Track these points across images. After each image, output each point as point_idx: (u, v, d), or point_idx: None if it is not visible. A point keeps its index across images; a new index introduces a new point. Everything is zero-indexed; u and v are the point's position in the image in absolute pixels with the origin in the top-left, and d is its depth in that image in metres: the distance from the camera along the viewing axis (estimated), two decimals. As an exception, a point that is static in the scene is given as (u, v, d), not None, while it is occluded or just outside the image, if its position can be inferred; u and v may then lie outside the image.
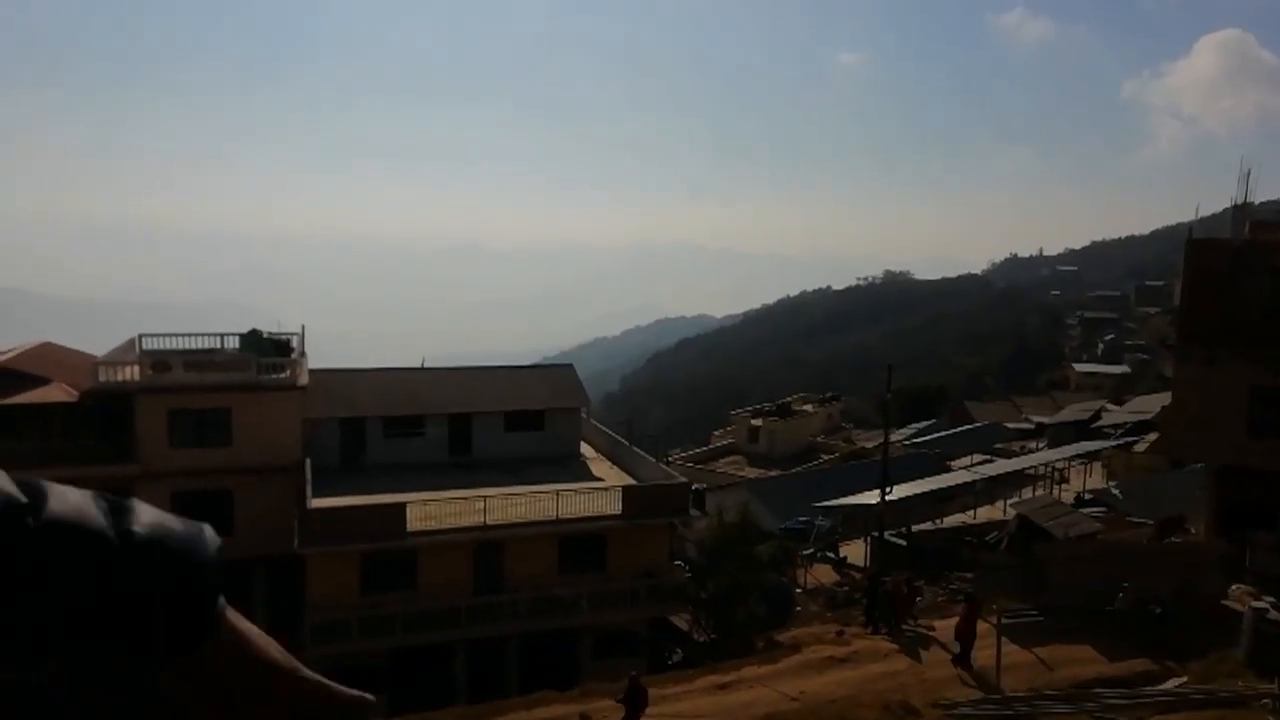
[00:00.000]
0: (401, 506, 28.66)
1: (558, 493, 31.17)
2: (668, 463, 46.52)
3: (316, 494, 28.76)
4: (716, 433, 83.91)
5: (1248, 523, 28.16)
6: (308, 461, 30.50)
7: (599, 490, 32.58)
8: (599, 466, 36.99)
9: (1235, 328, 28.73)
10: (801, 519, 42.73)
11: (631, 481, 34.08)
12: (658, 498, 32.44)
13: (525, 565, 30.16)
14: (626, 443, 38.25)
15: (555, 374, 40.94)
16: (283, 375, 33.02)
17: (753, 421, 74.32)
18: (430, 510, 29.56)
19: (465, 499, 30.26)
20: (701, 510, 35.63)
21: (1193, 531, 31.57)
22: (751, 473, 62.39)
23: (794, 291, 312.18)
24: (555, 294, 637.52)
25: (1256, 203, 34.91)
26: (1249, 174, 33.14)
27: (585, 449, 38.68)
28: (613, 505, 31.73)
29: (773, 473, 58.62)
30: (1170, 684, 19.89)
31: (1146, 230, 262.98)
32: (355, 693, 1.00)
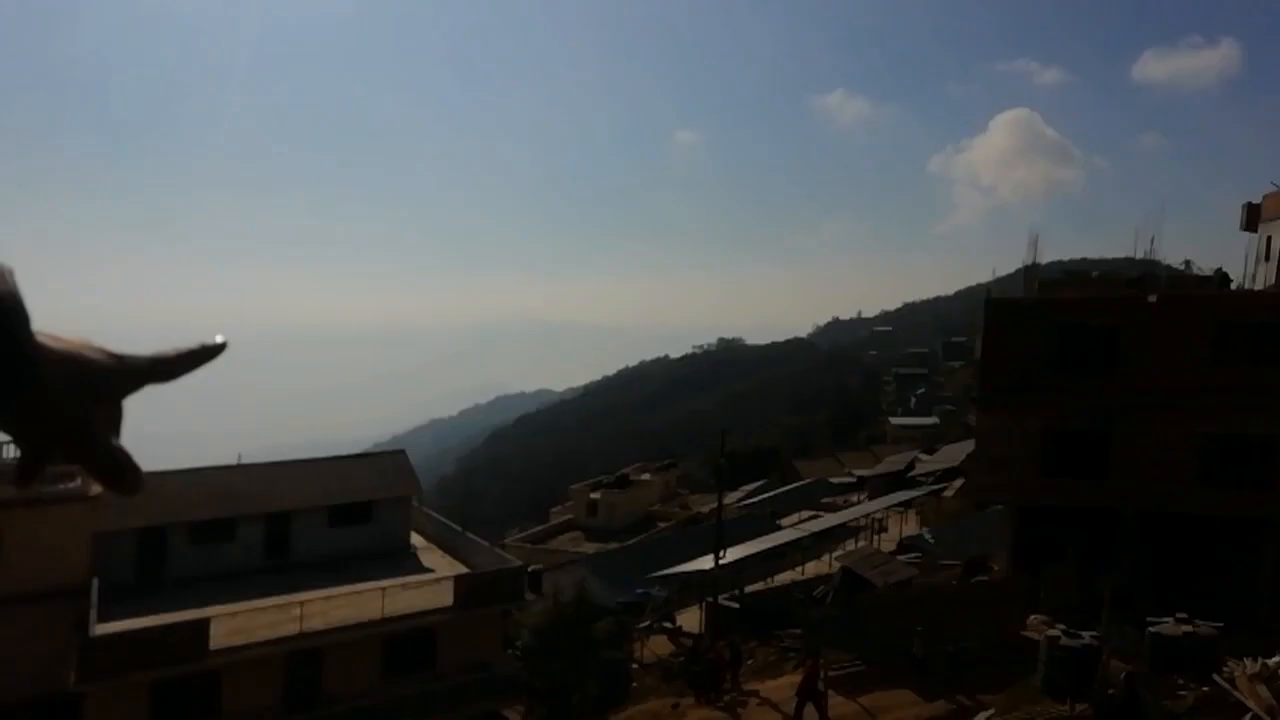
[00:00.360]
0: (203, 623, 26.32)
1: (383, 589, 29.73)
2: (504, 546, 45.47)
3: (103, 618, 26.04)
4: (555, 509, 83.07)
5: (1042, 556, 30.46)
6: (95, 582, 27.70)
7: (428, 582, 31.33)
8: (430, 556, 35.64)
9: (1028, 378, 31.32)
10: (639, 590, 42.65)
11: (464, 570, 33.01)
12: (491, 584, 31.50)
13: (346, 673, 28.37)
14: (459, 529, 37.13)
15: (385, 461, 39.39)
16: (71, 485, 30.12)
17: (591, 494, 74.08)
18: (238, 623, 27.37)
19: (280, 606, 28.28)
20: (537, 592, 34.90)
21: (995, 569, 33.72)
22: (590, 548, 61.94)
23: (634, 362, 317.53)
24: (394, 377, 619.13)
25: (1043, 263, 38.78)
26: (1036, 239, 36.79)
27: (416, 539, 37.25)
28: (443, 597, 30.57)
29: (611, 546, 58.44)
30: (979, 718, 20.91)
31: (951, 291, 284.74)
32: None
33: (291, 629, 27.67)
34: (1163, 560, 28.93)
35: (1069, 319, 30.81)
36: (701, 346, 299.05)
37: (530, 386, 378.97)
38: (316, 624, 28.09)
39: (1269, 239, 36.61)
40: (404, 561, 34.73)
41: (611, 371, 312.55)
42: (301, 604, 28.22)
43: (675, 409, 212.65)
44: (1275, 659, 20.22)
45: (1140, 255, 37.27)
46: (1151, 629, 21.91)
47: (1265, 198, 37.60)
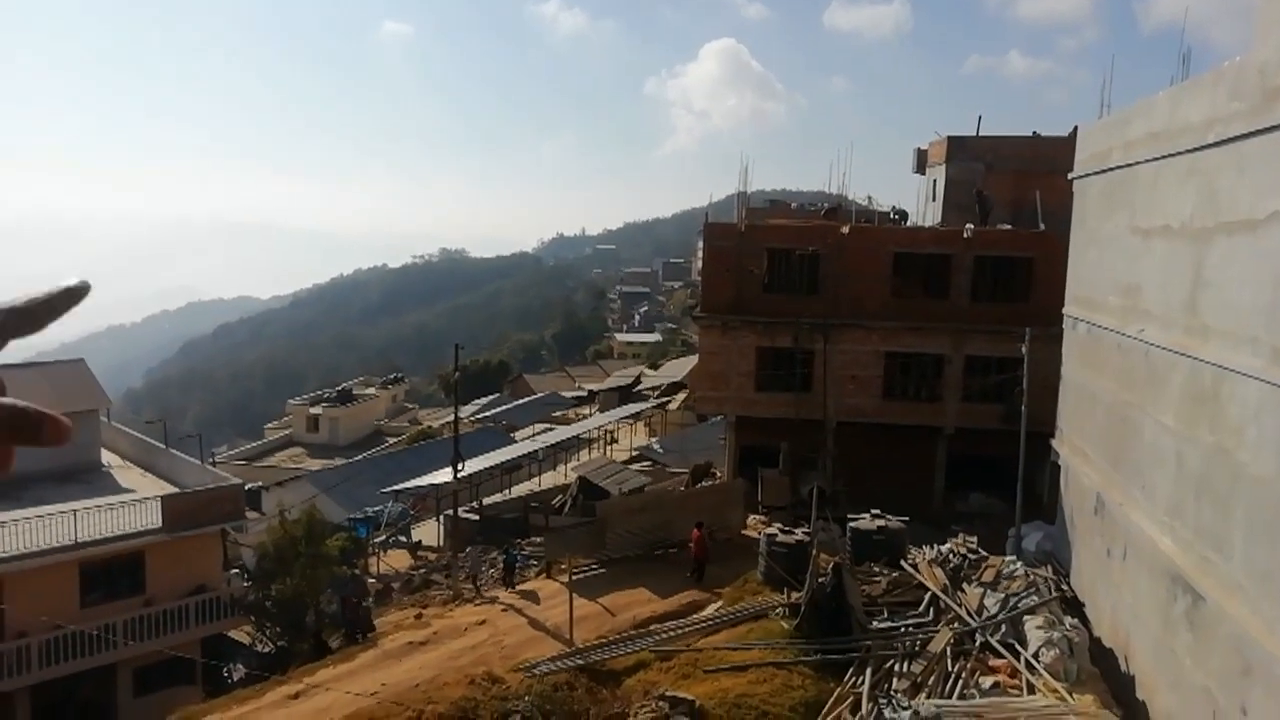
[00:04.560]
0: None
1: (75, 511, 26.45)
2: (215, 463, 42.00)
3: None
4: (270, 425, 77.99)
5: (759, 463, 33.44)
6: None
7: (130, 503, 28.29)
8: (129, 476, 32.13)
9: (742, 299, 33.66)
10: (373, 508, 41.46)
11: (172, 489, 30.14)
12: (205, 504, 29.09)
13: (34, 603, 25.14)
14: (162, 445, 33.72)
15: (61, 371, 34.41)
16: None
17: (311, 410, 70.32)
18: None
19: (-58, 534, 24.28)
20: (259, 511, 32.78)
21: (719, 475, 36.46)
22: (315, 464, 59.05)
23: (348, 270, 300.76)
24: (55, 276, 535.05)
25: (751, 191, 41.26)
26: (746, 167, 38.95)
27: (110, 457, 33.35)
28: (151, 519, 27.79)
29: (337, 462, 56.06)
30: (710, 609, 22.75)
31: (669, 213, 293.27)
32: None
33: (-42, 560, 23.92)
34: (858, 464, 32.76)
35: (776, 245, 33.48)
36: (423, 257, 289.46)
37: (229, 293, 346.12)
38: (-7, 553, 24.52)
39: (934, 181, 41.57)
40: (97, 481, 31.07)
41: (324, 280, 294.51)
42: (-29, 532, 24.42)
43: (397, 321, 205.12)
44: (946, 545, 23.74)
45: (833, 189, 41.17)
46: (851, 525, 24.78)
47: (930, 144, 42.47)
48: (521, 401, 69.51)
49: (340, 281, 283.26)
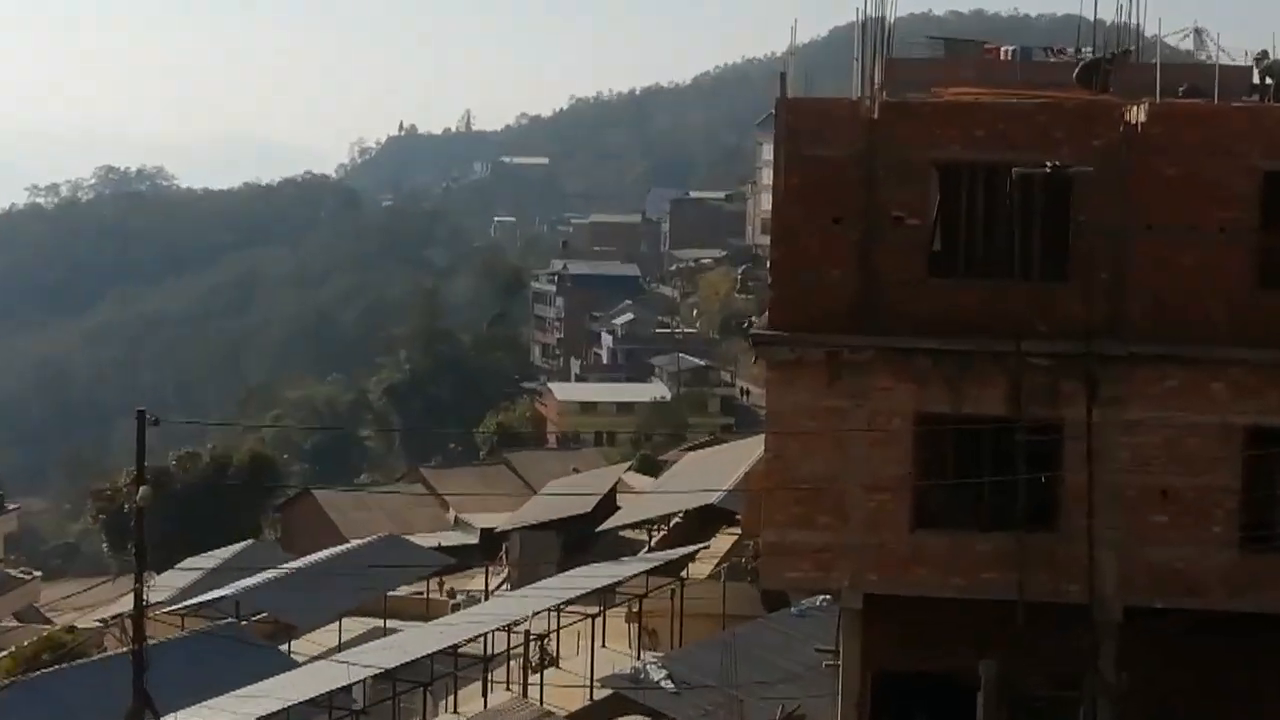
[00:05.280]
0: None
1: None
2: None
3: None
4: None
5: (923, 711, 12.37)
6: None
7: None
8: None
9: (877, 293, 14.92)
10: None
11: None
12: None
13: None
14: None
15: None
16: None
17: None
18: None
19: None
20: None
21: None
22: None
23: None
24: None
25: (894, 17, 20.11)
26: None
27: None
28: None
29: None
30: None
31: (683, 78, 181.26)
32: None
33: None
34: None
35: (960, 154, 14.67)
36: (63, 190, 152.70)
37: None
38: None
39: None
40: None
41: None
42: None
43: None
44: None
45: (1104, 12, 20.28)
46: None
47: None
48: (311, 560, 32.58)
49: None
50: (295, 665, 22.69)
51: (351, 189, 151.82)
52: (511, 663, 24.90)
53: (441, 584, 36.18)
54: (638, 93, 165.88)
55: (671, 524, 34.46)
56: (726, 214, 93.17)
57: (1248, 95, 16.84)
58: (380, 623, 28.75)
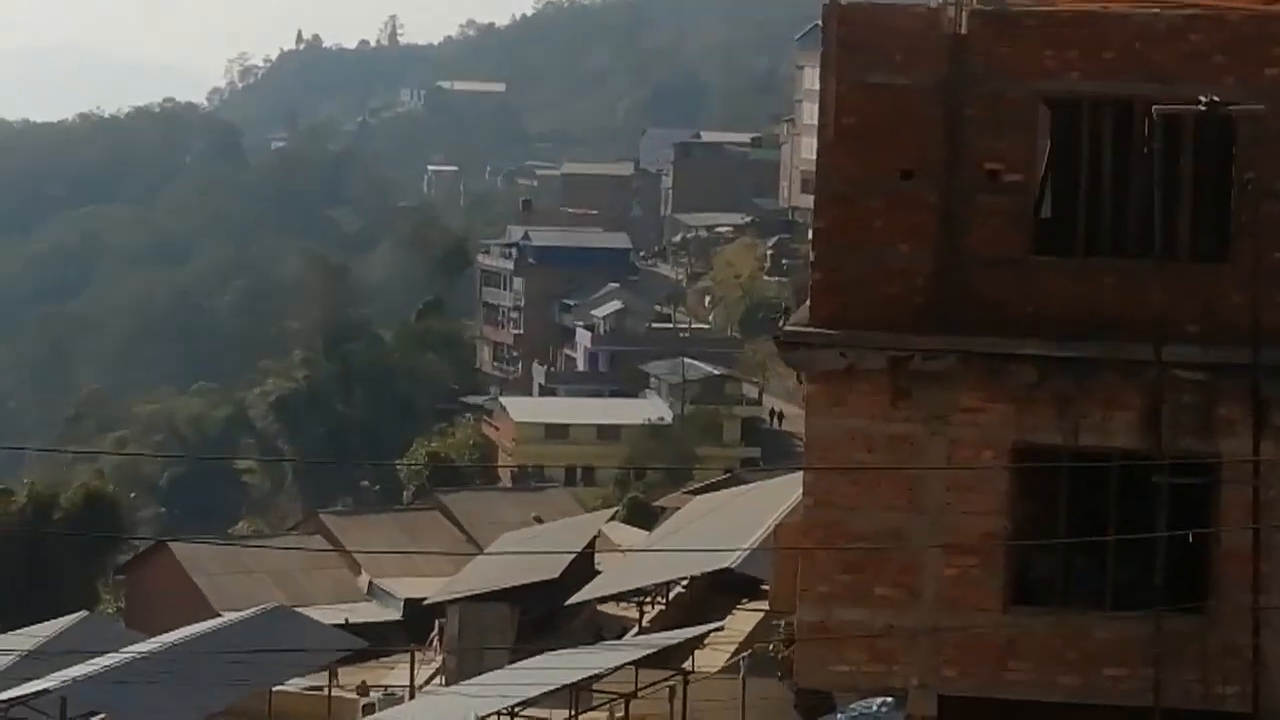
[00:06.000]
0: None
1: None
2: None
3: None
4: None
5: None
6: None
7: None
8: None
9: (959, 278, 12.08)
10: None
11: None
12: None
13: None
14: None
15: None
16: None
17: None
18: None
19: None
20: None
21: None
22: None
23: None
24: None
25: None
26: None
27: None
28: None
29: None
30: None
31: None
32: None
33: None
34: None
35: (1077, 84, 11.78)
36: None
37: None
38: None
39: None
40: None
41: None
42: None
43: None
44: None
45: None
46: None
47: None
48: (166, 642, 22.48)
49: None
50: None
51: (229, 123, 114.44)
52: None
53: (349, 676, 26.90)
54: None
55: (672, 595, 27.20)
56: (752, 165, 75.43)
57: None
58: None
